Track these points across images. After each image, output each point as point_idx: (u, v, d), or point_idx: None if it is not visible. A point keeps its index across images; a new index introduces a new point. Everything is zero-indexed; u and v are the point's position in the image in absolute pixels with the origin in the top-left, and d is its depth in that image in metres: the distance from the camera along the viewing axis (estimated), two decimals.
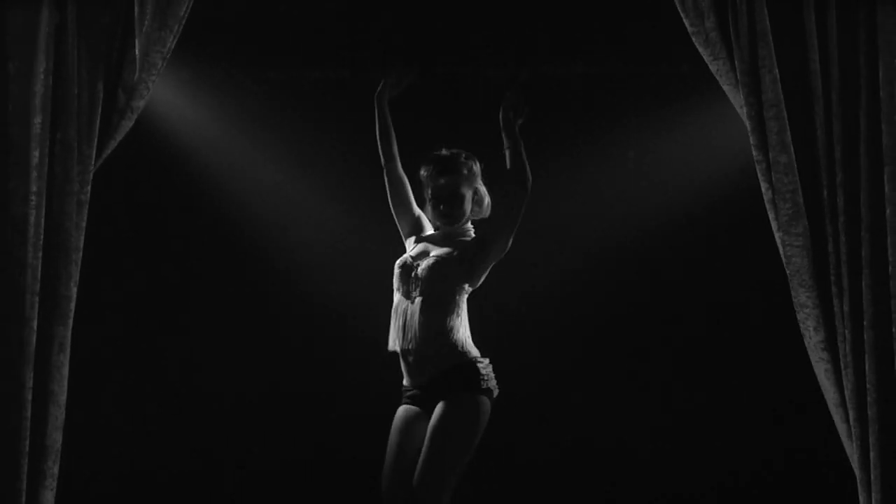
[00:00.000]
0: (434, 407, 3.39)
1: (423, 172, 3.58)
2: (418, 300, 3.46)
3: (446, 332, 3.43)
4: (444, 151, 3.60)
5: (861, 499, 3.49)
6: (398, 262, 3.56)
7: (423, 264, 3.50)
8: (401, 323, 3.49)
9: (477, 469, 3.71)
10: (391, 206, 3.65)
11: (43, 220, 3.38)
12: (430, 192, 3.57)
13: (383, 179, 3.66)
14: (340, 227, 4.81)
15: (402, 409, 3.48)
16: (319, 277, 4.84)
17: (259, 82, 4.84)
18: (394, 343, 3.51)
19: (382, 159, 3.63)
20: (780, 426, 4.66)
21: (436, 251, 3.53)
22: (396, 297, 3.53)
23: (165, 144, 4.66)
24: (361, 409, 4.43)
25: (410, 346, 3.43)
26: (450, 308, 3.45)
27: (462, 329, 3.48)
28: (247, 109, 4.84)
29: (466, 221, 3.60)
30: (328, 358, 4.77)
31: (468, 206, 3.56)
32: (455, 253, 3.50)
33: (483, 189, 3.60)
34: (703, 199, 4.76)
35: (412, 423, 3.43)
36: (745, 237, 4.44)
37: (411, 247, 3.62)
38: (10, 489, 3.28)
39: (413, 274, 3.49)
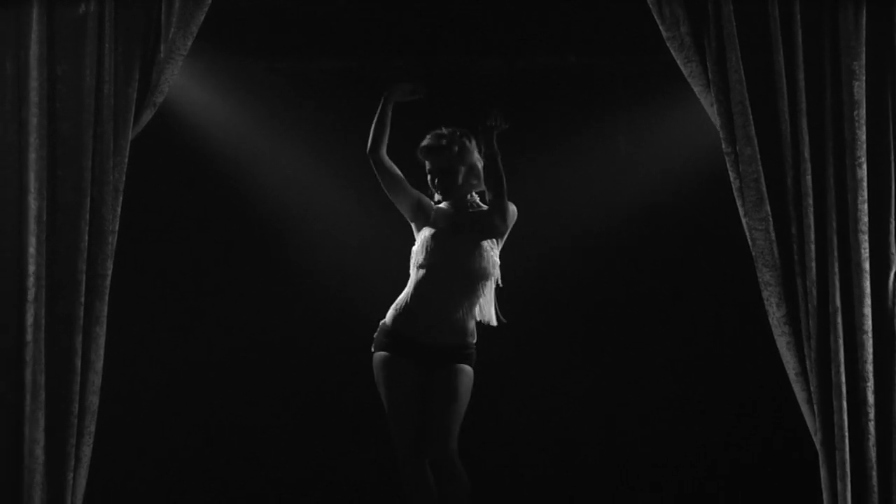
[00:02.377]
0: (431, 368, 3.68)
1: (420, 150, 3.79)
2: (451, 271, 3.69)
3: (472, 305, 3.71)
4: (438, 130, 3.80)
5: (821, 456, 3.73)
6: (426, 236, 3.76)
7: (454, 237, 3.72)
8: (427, 290, 3.69)
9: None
10: (387, 193, 3.80)
11: (88, 206, 3.66)
12: (426, 168, 3.80)
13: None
14: (352, 213, 4.95)
15: (399, 363, 3.70)
16: (333, 261, 4.99)
17: (271, 71, 4.97)
18: (416, 307, 3.71)
19: (369, 148, 3.77)
20: (754, 400, 4.81)
21: (461, 225, 3.75)
22: (420, 272, 3.73)
23: (180, 132, 4.80)
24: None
25: (433, 311, 3.67)
26: (479, 280, 3.71)
27: (484, 303, 3.75)
28: (259, 97, 4.97)
29: (469, 194, 3.81)
30: (338, 340, 4.87)
31: (462, 179, 3.77)
32: (477, 225, 3.74)
33: (480, 164, 3.80)
34: (689, 185, 4.89)
35: (409, 376, 3.69)
36: (728, 221, 4.55)
37: (429, 223, 3.79)
38: (63, 446, 3.61)
39: (445, 247, 3.71)
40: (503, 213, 3.74)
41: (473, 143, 3.81)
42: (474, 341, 3.77)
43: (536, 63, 5.02)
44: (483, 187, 3.81)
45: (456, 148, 3.77)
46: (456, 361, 3.71)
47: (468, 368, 3.73)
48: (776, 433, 4.65)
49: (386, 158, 3.79)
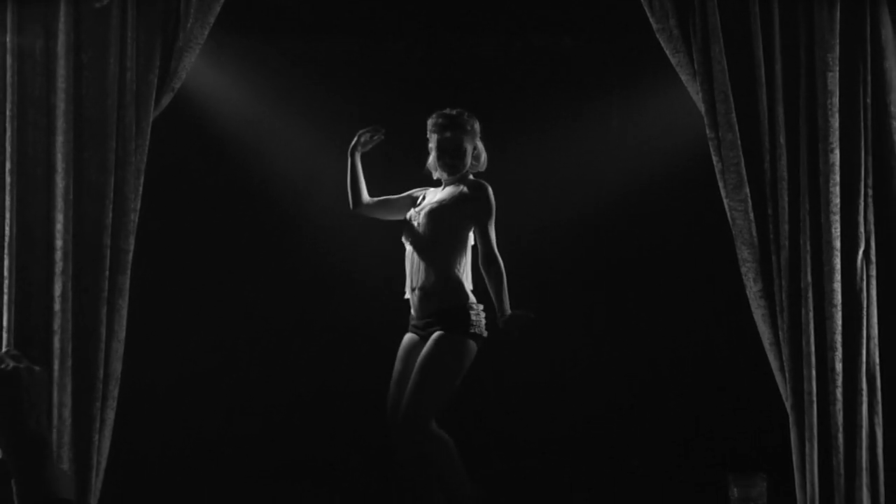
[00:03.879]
0: (428, 339, 3.79)
1: (430, 125, 3.91)
2: (422, 244, 3.85)
3: (446, 272, 3.79)
4: (449, 110, 3.90)
5: (791, 419, 3.93)
6: (406, 216, 3.98)
7: (422, 213, 3.88)
8: (410, 266, 3.88)
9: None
10: (388, 218, 4.01)
11: (112, 185, 3.81)
12: (435, 144, 3.90)
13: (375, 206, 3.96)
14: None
15: (406, 338, 3.90)
16: (343, 237, 5.05)
17: (281, 52, 5.09)
18: (407, 286, 3.90)
19: (351, 204, 3.98)
20: (731, 366, 4.95)
21: (433, 201, 3.91)
22: (407, 246, 3.94)
23: (193, 111, 4.87)
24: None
25: (416, 285, 3.83)
26: (448, 248, 3.82)
27: (461, 270, 3.83)
28: (264, 77, 5.06)
29: (466, 174, 3.95)
30: (347, 310, 5.01)
31: (469, 159, 3.92)
32: (448, 201, 3.86)
33: (480, 145, 3.95)
34: (676, 166, 4.97)
35: (411, 351, 3.85)
36: (711, 201, 4.60)
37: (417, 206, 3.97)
38: (89, 409, 3.80)
39: (416, 223, 3.90)
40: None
41: (478, 125, 3.95)
42: (468, 301, 3.80)
43: (532, 45, 5.15)
44: (481, 168, 3.97)
45: (469, 128, 3.90)
46: (445, 328, 3.78)
47: (454, 339, 3.76)
48: (753, 398, 4.77)
49: (369, 202, 4.00)
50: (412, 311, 3.95)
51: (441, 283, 3.81)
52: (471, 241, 3.92)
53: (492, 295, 3.80)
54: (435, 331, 3.79)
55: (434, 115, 3.93)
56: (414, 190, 4.08)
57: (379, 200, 4.04)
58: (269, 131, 5.14)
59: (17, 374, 1.70)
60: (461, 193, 3.88)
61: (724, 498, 4.31)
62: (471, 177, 3.97)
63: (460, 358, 3.76)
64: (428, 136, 3.97)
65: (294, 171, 5.16)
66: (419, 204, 3.99)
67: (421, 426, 3.71)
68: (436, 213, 3.86)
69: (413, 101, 4.16)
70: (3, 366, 1.70)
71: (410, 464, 3.76)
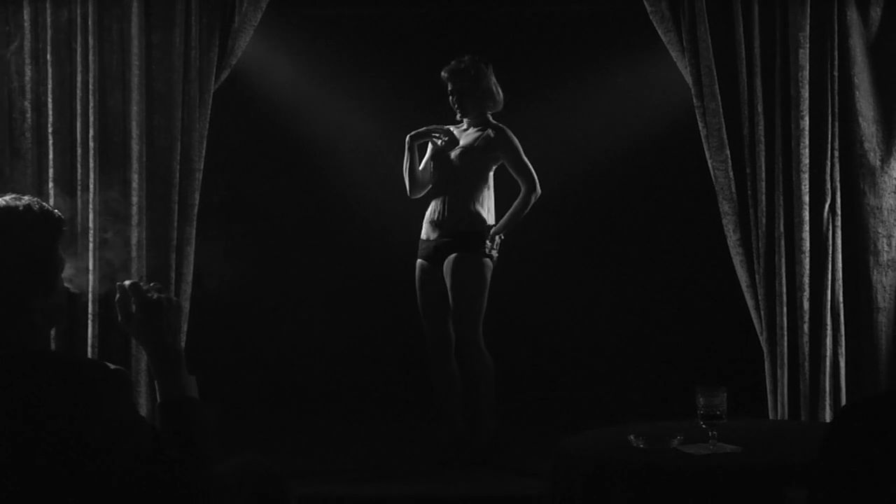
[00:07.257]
0: (443, 259, 4.25)
1: (442, 73, 4.33)
2: (452, 181, 4.26)
3: (471, 205, 4.24)
4: (456, 61, 4.30)
5: (765, 351, 4.30)
6: (432, 153, 4.35)
7: (455, 152, 4.29)
8: (437, 197, 4.28)
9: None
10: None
11: (179, 149, 4.26)
12: (448, 89, 4.31)
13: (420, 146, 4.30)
14: (379, 143, 5.41)
15: (419, 267, 4.35)
16: (371, 188, 5.58)
17: (312, 21, 5.50)
18: (431, 211, 4.30)
19: (409, 193, 4.31)
20: (712, 307, 5.41)
21: (463, 145, 4.30)
22: (436, 176, 4.31)
23: (247, 82, 5.33)
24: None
25: (438, 215, 4.27)
26: (474, 187, 4.26)
27: (482, 204, 4.26)
28: (302, 47, 5.47)
29: (483, 114, 4.32)
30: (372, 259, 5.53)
31: (477, 101, 4.27)
32: (477, 145, 4.28)
33: (495, 87, 4.30)
34: (667, 131, 5.36)
35: (429, 275, 4.33)
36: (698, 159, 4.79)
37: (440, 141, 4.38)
38: None
39: (448, 161, 4.30)
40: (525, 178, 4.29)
41: (490, 68, 4.31)
42: (486, 226, 4.23)
43: (544, 10, 5.53)
44: (498, 108, 4.36)
45: (472, 72, 4.27)
46: (464, 250, 4.24)
47: (475, 259, 4.21)
48: (731, 333, 5.20)
49: (425, 188, 4.33)
50: (429, 234, 4.33)
51: (464, 214, 4.26)
52: (491, 179, 4.35)
53: (509, 211, 4.25)
54: (450, 254, 4.24)
55: (445, 68, 4.34)
56: (433, 147, 4.43)
57: (426, 175, 4.38)
58: (309, 97, 5.55)
59: (160, 302, 2.19)
60: (486, 138, 4.28)
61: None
62: (489, 116, 4.33)
63: (486, 275, 4.26)
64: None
65: (330, 130, 5.60)
66: (447, 144, 4.33)
67: (478, 343, 4.21)
68: (466, 156, 4.28)
69: (433, 63, 4.50)
70: (150, 295, 2.19)
71: (479, 371, 4.24)
